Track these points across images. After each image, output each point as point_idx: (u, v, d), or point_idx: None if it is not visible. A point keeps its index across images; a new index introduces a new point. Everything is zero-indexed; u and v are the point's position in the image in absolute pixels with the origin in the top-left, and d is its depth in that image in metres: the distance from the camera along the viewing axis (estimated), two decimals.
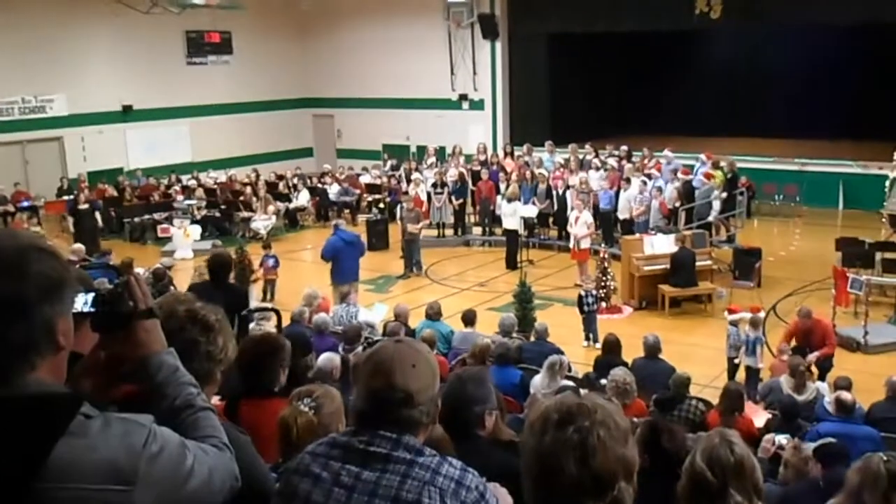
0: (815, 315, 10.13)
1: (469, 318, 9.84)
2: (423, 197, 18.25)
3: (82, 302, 1.81)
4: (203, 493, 1.72)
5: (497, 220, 17.23)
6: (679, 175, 16.80)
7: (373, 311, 11.20)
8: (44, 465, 1.51)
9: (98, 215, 18.01)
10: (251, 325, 8.93)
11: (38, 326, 1.58)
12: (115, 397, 1.95)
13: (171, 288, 10.87)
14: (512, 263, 15.94)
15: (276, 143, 26.66)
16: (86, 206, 17.55)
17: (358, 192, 21.22)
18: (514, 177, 17.85)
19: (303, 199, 20.96)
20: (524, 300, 11.65)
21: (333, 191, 21.15)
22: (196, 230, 18.36)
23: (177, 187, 20.96)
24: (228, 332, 2.32)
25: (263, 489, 2.10)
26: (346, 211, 21.07)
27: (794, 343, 9.98)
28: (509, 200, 16.09)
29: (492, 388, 3.11)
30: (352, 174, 22.38)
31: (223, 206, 19.97)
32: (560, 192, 17.18)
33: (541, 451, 1.72)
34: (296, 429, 2.86)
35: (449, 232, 18.68)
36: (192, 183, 21.23)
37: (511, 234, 16.09)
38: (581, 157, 18.84)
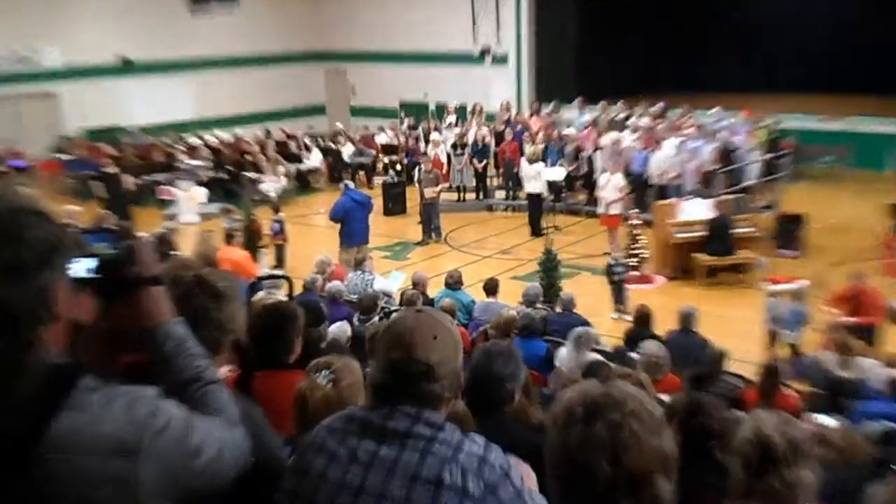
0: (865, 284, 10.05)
1: (491, 288, 9.86)
2: (443, 158, 18.21)
3: (85, 267, 1.80)
4: (212, 470, 1.73)
5: (521, 184, 17.16)
6: (721, 135, 16.62)
7: (389, 280, 11.25)
8: (45, 437, 1.52)
9: (130, 179, 17.43)
10: (261, 294, 9.04)
11: (35, 294, 1.58)
12: (118, 369, 1.96)
13: (177, 254, 10.93)
14: (536, 229, 15.91)
15: (286, 100, 26.62)
16: (114, 169, 16.75)
17: (373, 152, 21.19)
18: (539, 137, 17.74)
19: (314, 160, 20.97)
20: (549, 269, 11.65)
21: (347, 151, 21.13)
22: (202, 193, 18.43)
23: (180, 147, 20.99)
24: (238, 299, 2.32)
25: (276, 466, 2.12)
26: (361, 173, 21.04)
27: (843, 311, 9.90)
28: (531, 161, 16.01)
29: (521, 365, 3.11)
30: (367, 134, 22.33)
31: (230, 168, 20.02)
32: (589, 153, 17.07)
33: (567, 450, 1.66)
34: (312, 402, 2.88)
35: (470, 196, 18.64)
36: (197, 142, 21.26)
37: (534, 199, 16.04)
38: (612, 115, 18.65)
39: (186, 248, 12.45)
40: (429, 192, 15.76)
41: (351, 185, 13.73)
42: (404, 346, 1.97)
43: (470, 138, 18.67)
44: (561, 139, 17.55)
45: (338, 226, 12.99)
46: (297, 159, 20.82)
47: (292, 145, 21.35)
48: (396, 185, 18.44)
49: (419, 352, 1.96)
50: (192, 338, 1.94)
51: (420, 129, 21.08)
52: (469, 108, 21.25)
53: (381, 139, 22.25)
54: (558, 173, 16.63)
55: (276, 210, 14.77)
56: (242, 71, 25.53)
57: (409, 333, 1.98)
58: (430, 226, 16.02)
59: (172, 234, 12.41)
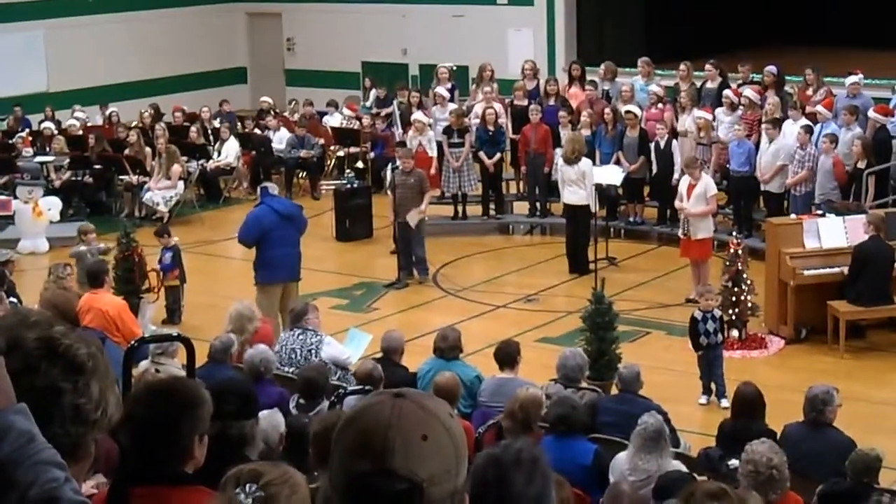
0: None
1: (507, 356, 9.81)
2: (431, 151, 18.21)
3: None
4: None
5: (555, 191, 17.16)
6: (871, 115, 16.65)
7: (347, 343, 11.19)
8: None
9: None
10: (144, 365, 8.99)
11: None
12: None
13: (14, 302, 10.89)
14: (580, 263, 15.90)
15: (186, 61, 26.66)
16: None
17: (321, 142, 21.21)
18: (584, 117, 17.79)
19: (229, 153, 20.97)
20: (601, 326, 11.62)
21: (280, 140, 21.14)
22: (54, 205, 18.38)
23: (22, 134, 20.97)
24: (108, 375, 2.33)
25: None
26: (302, 174, 21.03)
27: None
28: (570, 158, 16.00)
29: (551, 479, 3.09)
30: (311, 113, 22.35)
31: (98, 167, 20.00)
32: (662, 142, 17.11)
33: None
34: None
35: (474, 210, 18.66)
36: (49, 127, 21.27)
37: (576, 215, 16.04)
38: (698, 84, 18.70)
39: (29, 292, 12.40)
40: (412, 217, 15.71)
41: (272, 188, 13.67)
42: (376, 453, 1.96)
43: (474, 119, 18.70)
44: (617, 121, 17.59)
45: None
46: (202, 153, 20.82)
47: (195, 131, 21.36)
48: (357, 194, 18.42)
49: (399, 461, 1.95)
50: (40, 435, 1.92)
51: (395, 105, 21.09)
52: (473, 73, 21.28)
53: (334, 121, 22.21)
54: (613, 174, 16.62)
55: (168, 233, 14.75)
56: (120, 17, 25.58)
57: (384, 432, 1.98)
58: (409, 258, 16.00)
59: (7, 270, 12.36)
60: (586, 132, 17.22)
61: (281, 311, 12.54)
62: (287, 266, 12.88)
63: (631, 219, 17.83)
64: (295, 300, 12.64)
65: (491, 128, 18.37)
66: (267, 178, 19.60)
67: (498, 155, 18.41)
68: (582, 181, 15.88)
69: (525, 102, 18.91)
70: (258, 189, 14.04)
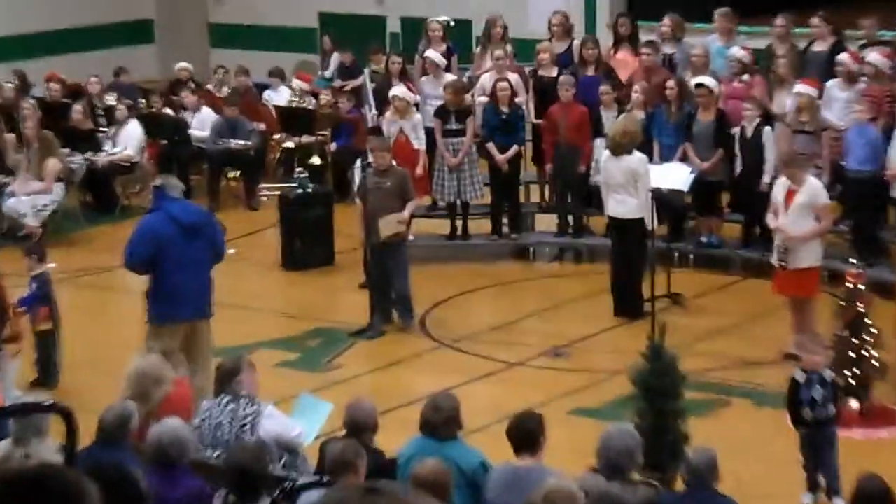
0: None
1: (526, 435, 9.82)
2: (418, 142, 18.27)
3: None
4: None
5: (595, 199, 17.20)
6: None
7: (296, 415, 11.20)
8: None
9: None
10: (4, 447, 9.00)
11: None
12: None
13: None
14: (629, 303, 15.96)
15: (69, 10, 26.73)
16: None
17: (260, 128, 21.28)
18: (635, 94, 17.85)
19: (129, 142, 21.02)
20: (660, 392, 11.65)
21: (202, 124, 21.20)
22: None
23: None
24: None
25: None
26: (234, 173, 21.09)
27: None
28: (616, 152, 16.05)
29: None
30: (246, 86, 22.44)
31: None
32: (749, 130, 17.18)
33: None
34: None
35: (480, 227, 18.74)
36: None
37: (627, 234, 16.12)
38: (801, 46, 18.78)
39: None
40: (386, 223, 15.76)
41: (173, 187, 13.54)
42: None
43: (479, 97, 18.77)
44: (684, 99, 17.64)
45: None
46: (89, 143, 20.87)
47: (79, 111, 21.43)
48: (312, 202, 18.51)
49: None
50: None
51: (366, 75, 21.19)
52: (476, 31, 21.36)
53: (279, 98, 22.30)
54: (678, 176, 16.67)
55: (39, 255, 14.76)
56: None
57: None
58: (387, 294, 16.05)
59: None
60: (640, 114, 17.26)
61: (189, 362, 12.41)
62: (193, 298, 12.76)
63: (703, 239, 17.88)
64: (207, 348, 12.65)
65: (504, 109, 18.47)
66: (182, 176, 19.65)
67: (514, 147, 18.53)
68: (633, 185, 15.92)
69: (553, 73, 19.02)
70: (153, 189, 13.85)
